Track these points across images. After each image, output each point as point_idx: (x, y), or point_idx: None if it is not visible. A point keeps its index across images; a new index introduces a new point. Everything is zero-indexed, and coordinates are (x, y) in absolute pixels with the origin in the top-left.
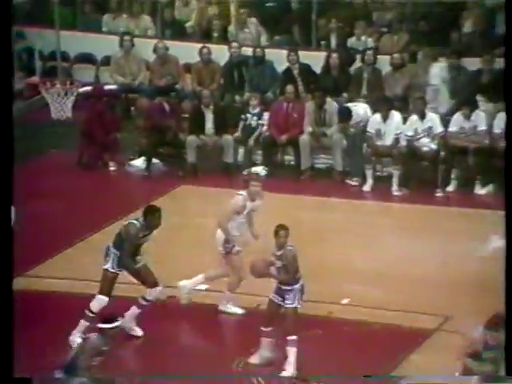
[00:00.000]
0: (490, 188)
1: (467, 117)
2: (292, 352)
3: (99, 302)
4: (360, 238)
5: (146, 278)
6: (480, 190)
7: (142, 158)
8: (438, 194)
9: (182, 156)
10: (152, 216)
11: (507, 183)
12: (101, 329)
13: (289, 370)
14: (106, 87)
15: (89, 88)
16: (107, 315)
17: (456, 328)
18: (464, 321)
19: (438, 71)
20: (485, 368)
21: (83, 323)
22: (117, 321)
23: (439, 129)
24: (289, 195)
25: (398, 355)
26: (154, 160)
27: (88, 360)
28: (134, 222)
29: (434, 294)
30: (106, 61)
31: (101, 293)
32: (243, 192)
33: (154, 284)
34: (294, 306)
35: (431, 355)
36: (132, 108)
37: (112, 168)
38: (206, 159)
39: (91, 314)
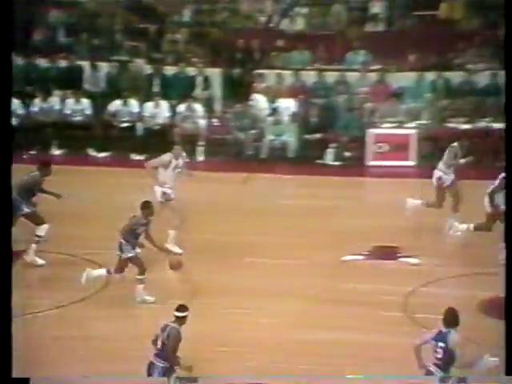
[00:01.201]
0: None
1: (156, 106)
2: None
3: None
4: None
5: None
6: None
7: None
8: (135, 158)
9: None
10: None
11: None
12: (177, 317)
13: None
14: None
15: None
16: (180, 306)
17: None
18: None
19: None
20: None
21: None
22: (187, 311)
23: (136, 109)
24: None
25: None
26: None
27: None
28: None
29: None
30: None
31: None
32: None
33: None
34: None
35: None
36: None
37: None
38: None
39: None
